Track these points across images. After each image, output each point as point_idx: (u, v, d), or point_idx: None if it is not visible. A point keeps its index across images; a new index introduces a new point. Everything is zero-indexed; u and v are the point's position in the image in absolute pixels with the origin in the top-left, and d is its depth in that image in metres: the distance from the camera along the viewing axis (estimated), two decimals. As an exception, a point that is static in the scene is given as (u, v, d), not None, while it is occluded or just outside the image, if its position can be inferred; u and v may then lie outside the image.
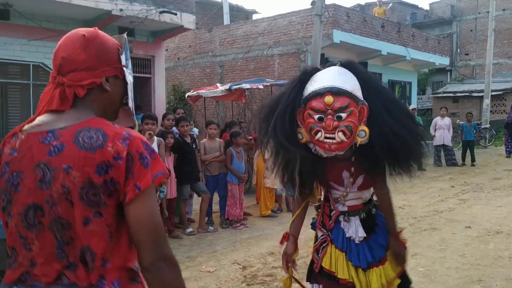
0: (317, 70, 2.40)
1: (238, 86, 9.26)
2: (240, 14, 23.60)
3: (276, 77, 13.37)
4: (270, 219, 7.03)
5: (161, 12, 9.31)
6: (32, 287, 1.26)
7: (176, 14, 9.73)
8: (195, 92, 9.79)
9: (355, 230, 2.47)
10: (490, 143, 17.32)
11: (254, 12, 25.81)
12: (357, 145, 2.26)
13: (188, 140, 6.41)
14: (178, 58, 16.80)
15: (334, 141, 2.21)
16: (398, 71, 17.89)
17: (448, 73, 32.32)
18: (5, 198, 1.29)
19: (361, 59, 15.21)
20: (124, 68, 1.42)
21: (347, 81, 2.27)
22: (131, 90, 1.47)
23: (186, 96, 10.17)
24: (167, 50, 15.07)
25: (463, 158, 12.72)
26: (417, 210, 7.39)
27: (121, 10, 8.66)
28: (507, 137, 13.51)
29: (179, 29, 10.52)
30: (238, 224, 6.57)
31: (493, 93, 23.60)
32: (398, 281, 2.41)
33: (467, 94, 24.62)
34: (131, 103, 1.50)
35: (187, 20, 10.17)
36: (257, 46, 14.16)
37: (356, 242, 2.45)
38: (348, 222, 2.49)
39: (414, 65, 18.74)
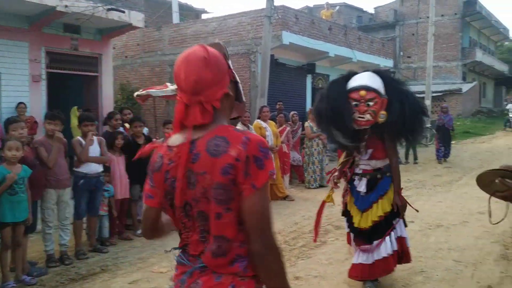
0: (355, 73, 4.01)
1: (188, 86, 9.19)
2: (190, 13, 23.39)
3: (226, 77, 13.38)
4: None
5: (108, 10, 9.09)
6: (186, 253, 1.67)
7: (124, 12, 9.53)
8: (144, 91, 9.59)
9: (361, 186, 3.95)
10: (431, 142, 18.17)
11: (204, 11, 25.67)
12: (378, 124, 3.78)
13: (141, 141, 6.29)
14: (126, 57, 16.43)
15: (364, 119, 3.75)
16: (345, 73, 18.40)
17: (392, 75, 33.56)
18: (170, 197, 1.63)
19: (309, 60, 15.54)
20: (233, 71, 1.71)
21: (375, 82, 3.79)
22: (241, 87, 1.80)
23: (134, 95, 9.94)
24: (114, 48, 14.70)
25: (406, 156, 13.25)
26: (364, 207, 7.65)
27: (66, 6, 8.37)
28: (439, 140, 13.61)
29: (127, 27, 10.30)
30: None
31: (433, 94, 24.79)
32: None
33: (410, 95, 25.62)
34: (243, 98, 1.81)
35: (136, 18, 9.99)
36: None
37: (361, 194, 3.96)
38: (359, 181, 3.99)
39: (360, 66, 19.29)
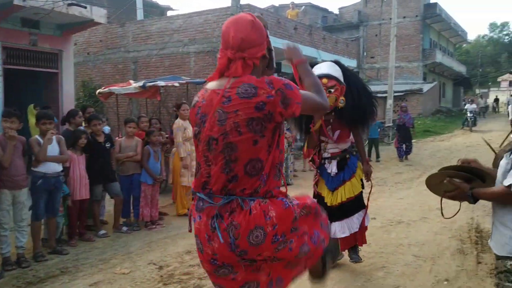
0: (317, 63, 4.42)
1: (152, 83, 9.06)
2: (155, 10, 23.06)
3: (192, 74, 13.28)
4: (187, 218, 6.97)
5: (69, 5, 8.81)
6: (207, 194, 1.96)
7: (85, 7, 9.28)
8: (106, 89, 9.40)
9: (331, 168, 4.38)
10: (391, 140, 18.62)
11: (169, 8, 25.38)
12: (338, 109, 4.20)
13: (101, 139, 6.14)
14: (88, 53, 16.04)
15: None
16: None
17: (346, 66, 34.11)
18: (198, 129, 2.01)
19: (275, 59, 15.59)
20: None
21: (335, 71, 4.19)
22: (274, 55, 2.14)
23: (97, 92, 9.72)
24: (75, 44, 14.32)
25: (369, 155, 13.48)
26: (327, 205, 7.75)
27: (24, 0, 8.07)
28: (398, 139, 13.95)
29: (89, 23, 10.03)
30: (154, 226, 6.44)
31: (396, 94, 25.38)
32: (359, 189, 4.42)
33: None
34: (274, 66, 2.17)
35: (98, 14, 9.74)
36: (173, 43, 13.96)
37: (332, 175, 4.38)
38: (329, 163, 4.40)
39: (325, 66, 19.59)
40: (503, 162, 2.22)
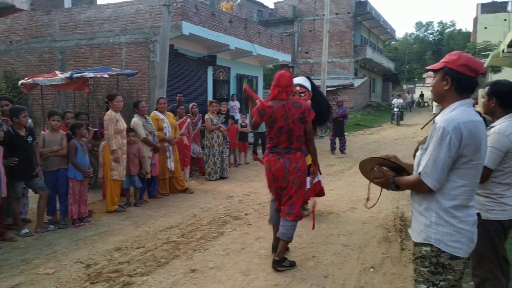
0: (294, 77, 5.75)
1: (80, 74, 8.64)
2: (84, -2, 22.00)
3: (123, 66, 12.84)
4: (118, 214, 6.76)
5: (-14, -12, 8.19)
6: (277, 149, 4.47)
7: (5, -8, 8.65)
8: (30, 80, 8.84)
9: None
10: (326, 134, 19.16)
11: (100, -3, 24.32)
12: None
13: (23, 132, 5.77)
14: (11, 41, 15.01)
15: None
16: (245, 66, 18.65)
17: (291, 69, 34.81)
18: (270, 124, 4.43)
19: (210, 52, 15.48)
20: None
21: (305, 82, 6.06)
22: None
23: (19, 83, 9.12)
24: (-4, 31, 13.36)
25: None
26: (261, 197, 7.84)
27: None
28: (333, 132, 14.36)
29: (9, 9, 9.37)
30: (82, 223, 6.17)
31: (328, 89, 26.12)
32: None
33: (307, 89, 26.74)
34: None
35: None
36: (103, 33, 13.41)
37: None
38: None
39: (260, 60, 19.75)
40: (418, 153, 2.34)
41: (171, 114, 8.42)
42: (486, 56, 23.19)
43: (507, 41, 15.21)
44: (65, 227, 6.07)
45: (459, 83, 2.28)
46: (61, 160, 6.16)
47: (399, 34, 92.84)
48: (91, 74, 8.71)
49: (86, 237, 5.63)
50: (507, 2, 30.39)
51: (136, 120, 7.49)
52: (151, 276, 4.34)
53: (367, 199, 2.72)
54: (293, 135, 4.37)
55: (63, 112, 7.50)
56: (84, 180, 6.31)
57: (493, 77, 25.79)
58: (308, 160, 5.74)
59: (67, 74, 8.65)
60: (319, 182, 6.34)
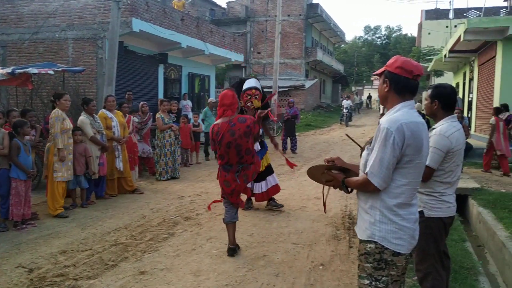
0: (246, 79, 7.00)
1: (23, 70, 8.27)
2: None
3: (70, 62, 12.40)
4: (62, 218, 6.50)
5: None
6: (230, 166, 4.78)
7: None
8: (-33, 75, 8.36)
9: (257, 146, 6.81)
10: (278, 134, 19.35)
11: (45, -10, 23.32)
12: (259, 107, 6.45)
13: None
14: None
15: (253, 105, 6.48)
16: (197, 65, 18.51)
17: (243, 69, 34.91)
18: (219, 141, 4.69)
19: (161, 50, 15.25)
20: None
21: (257, 84, 6.83)
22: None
23: (-45, 79, 8.59)
24: None
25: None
26: (213, 197, 7.75)
27: None
28: (284, 132, 14.51)
29: None
30: (24, 225, 5.90)
31: (280, 89, 26.41)
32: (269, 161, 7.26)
33: (259, 89, 26.91)
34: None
35: (-44, -11, 8.62)
36: (48, 27, 12.88)
37: (256, 151, 6.16)
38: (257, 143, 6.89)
39: (212, 59, 19.65)
40: (364, 153, 2.42)
41: (120, 113, 8.22)
42: (430, 60, 24.28)
43: (448, 47, 15.99)
44: (6, 230, 5.79)
45: (397, 84, 2.38)
46: (2, 160, 5.86)
47: (348, 37, 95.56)
48: (35, 70, 8.36)
49: (28, 240, 5.39)
50: (449, 10, 31.91)
51: (83, 119, 7.26)
52: (98, 279, 4.22)
53: (324, 205, 2.85)
54: (241, 150, 4.69)
55: (6, 110, 7.15)
56: (27, 180, 6.04)
57: (435, 81, 27.07)
58: (266, 161, 7.20)
59: (9, 70, 8.25)
60: (276, 185, 7.14)
